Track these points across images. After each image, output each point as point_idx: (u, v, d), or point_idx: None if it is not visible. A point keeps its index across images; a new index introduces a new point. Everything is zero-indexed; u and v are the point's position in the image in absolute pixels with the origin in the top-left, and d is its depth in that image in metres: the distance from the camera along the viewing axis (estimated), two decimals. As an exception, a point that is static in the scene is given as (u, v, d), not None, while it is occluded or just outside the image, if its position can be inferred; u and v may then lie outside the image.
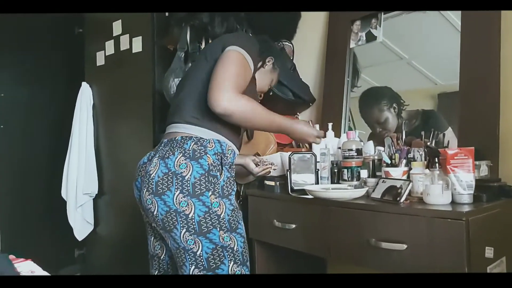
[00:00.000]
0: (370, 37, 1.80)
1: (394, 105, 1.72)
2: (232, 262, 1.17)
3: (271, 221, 1.49)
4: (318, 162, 1.53)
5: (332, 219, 1.31)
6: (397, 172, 1.32)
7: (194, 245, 1.14)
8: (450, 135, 1.50)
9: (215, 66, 1.19)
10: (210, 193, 1.15)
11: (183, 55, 1.85)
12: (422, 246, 1.08)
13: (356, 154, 1.46)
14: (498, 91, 1.39)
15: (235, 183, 1.26)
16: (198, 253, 1.13)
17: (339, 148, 1.58)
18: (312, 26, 2.07)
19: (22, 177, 2.67)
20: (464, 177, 1.15)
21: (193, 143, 1.19)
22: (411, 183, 1.21)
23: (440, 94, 1.63)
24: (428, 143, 1.40)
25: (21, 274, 1.16)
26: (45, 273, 1.33)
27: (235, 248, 1.18)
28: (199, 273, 1.14)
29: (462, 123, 1.47)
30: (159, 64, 2.08)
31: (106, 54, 2.41)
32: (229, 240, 1.17)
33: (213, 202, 1.15)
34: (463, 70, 1.50)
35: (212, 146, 1.21)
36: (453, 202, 1.15)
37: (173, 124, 1.28)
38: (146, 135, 2.14)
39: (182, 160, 1.15)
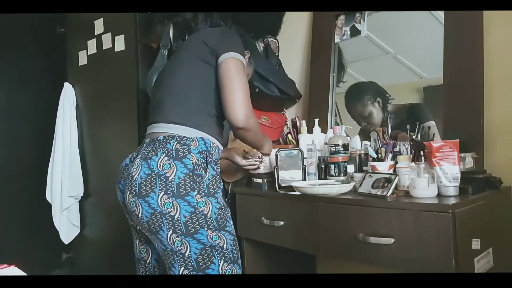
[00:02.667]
0: (355, 32, 1.80)
1: (379, 99, 1.72)
2: (222, 261, 1.15)
3: (259, 219, 1.48)
4: (305, 158, 1.53)
5: (320, 215, 1.31)
6: (383, 166, 1.32)
7: (181, 247, 1.12)
8: (435, 128, 1.51)
9: (224, 82, 1.20)
10: (196, 192, 1.13)
11: (166, 53, 1.82)
12: (409, 240, 1.08)
13: (342, 149, 1.45)
14: (482, 84, 1.40)
15: (221, 181, 1.24)
16: (186, 254, 1.12)
17: (326, 143, 1.58)
18: (296, 21, 2.06)
19: (5, 180, 2.60)
20: (449, 169, 1.15)
21: (176, 142, 1.17)
22: (397, 177, 1.21)
23: (425, 87, 1.63)
24: (414, 137, 1.40)
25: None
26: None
27: (224, 247, 1.16)
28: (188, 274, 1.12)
29: (446, 116, 1.47)
30: (143, 62, 2.05)
31: (89, 54, 2.37)
32: (218, 239, 1.16)
33: (199, 201, 1.14)
34: (447, 63, 1.50)
35: (196, 144, 1.19)
36: (439, 195, 1.15)
37: (154, 124, 1.26)
38: (131, 135, 2.11)
39: (166, 161, 1.13)
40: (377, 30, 1.75)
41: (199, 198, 1.13)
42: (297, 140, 1.79)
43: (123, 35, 2.14)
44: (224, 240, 1.17)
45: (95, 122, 2.41)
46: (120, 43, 2.15)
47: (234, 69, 1.21)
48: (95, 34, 2.30)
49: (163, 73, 1.37)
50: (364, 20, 1.76)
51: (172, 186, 1.11)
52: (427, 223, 1.05)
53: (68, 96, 2.45)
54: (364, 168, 1.44)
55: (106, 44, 2.24)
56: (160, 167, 1.12)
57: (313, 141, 1.60)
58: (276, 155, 1.49)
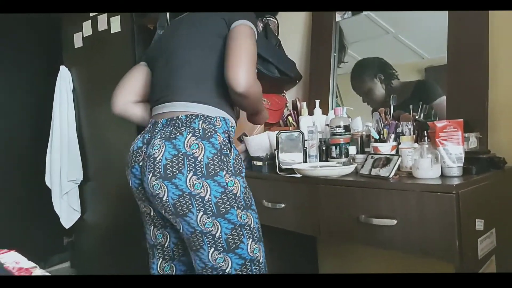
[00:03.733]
0: (356, 10, 1.75)
1: (381, 75, 1.69)
2: (250, 240, 1.13)
3: (260, 201, 1.47)
4: (306, 140, 1.51)
5: (321, 197, 1.30)
6: (385, 147, 1.30)
7: (213, 227, 1.08)
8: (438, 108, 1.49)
9: (230, 42, 1.12)
10: (224, 172, 1.10)
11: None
12: (412, 221, 1.07)
13: (344, 130, 1.43)
14: (487, 63, 1.37)
15: (242, 160, 1.21)
16: (217, 235, 1.09)
17: (327, 125, 1.56)
18: None
19: (4, 166, 2.59)
20: (453, 149, 1.13)
21: (201, 121, 1.12)
22: (400, 158, 1.19)
23: (427, 68, 1.61)
24: (417, 117, 1.38)
25: (4, 266, 1.13)
26: (30, 263, 1.30)
27: (252, 225, 1.15)
28: (218, 255, 1.09)
29: (450, 96, 1.45)
30: (139, 44, 2.01)
31: (84, 36, 2.32)
32: (246, 218, 1.13)
33: (228, 181, 1.10)
34: (451, 42, 1.47)
35: (220, 124, 1.15)
36: (443, 176, 1.14)
37: (169, 103, 1.18)
38: (129, 119, 2.08)
39: (193, 140, 1.08)
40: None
41: (228, 178, 1.10)
42: (297, 122, 1.77)
43: (118, 16, 2.09)
44: (251, 218, 1.15)
45: (92, 105, 2.38)
46: (116, 25, 2.10)
47: (244, 33, 1.14)
48: (90, 15, 2.25)
49: (167, 48, 1.27)
50: (366, -2, 1.71)
51: (202, 166, 1.07)
52: (430, 204, 1.04)
53: (64, 80, 2.41)
54: (366, 149, 1.42)
55: (102, 25, 2.19)
56: (187, 147, 1.07)
57: (314, 123, 1.58)
58: (277, 137, 1.47)
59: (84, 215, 2.50)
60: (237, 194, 1.12)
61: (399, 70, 1.67)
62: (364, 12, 1.73)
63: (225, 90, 1.14)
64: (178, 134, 1.09)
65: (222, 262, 1.09)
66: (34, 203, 2.64)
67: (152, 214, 1.23)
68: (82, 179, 2.44)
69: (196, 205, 1.07)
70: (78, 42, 2.37)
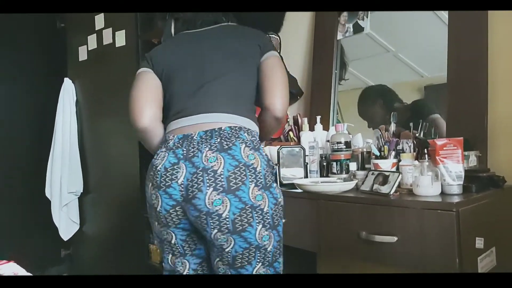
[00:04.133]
0: (358, 29, 1.78)
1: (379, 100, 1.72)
2: (281, 256, 1.14)
3: (260, 216, 1.47)
4: (307, 155, 1.52)
5: (321, 213, 1.30)
6: (386, 164, 1.31)
7: (268, 241, 1.06)
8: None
9: (271, 71, 1.17)
10: (275, 184, 1.11)
11: (167, 49, 1.81)
12: (412, 238, 1.07)
13: (345, 147, 1.44)
14: (486, 82, 1.39)
15: None
16: (268, 249, 1.07)
17: (328, 141, 1.57)
18: (299, 18, 2.05)
19: (4, 176, 2.59)
20: (453, 167, 1.14)
21: (246, 133, 1.10)
22: (400, 175, 1.20)
23: (426, 86, 1.63)
24: (417, 134, 1.39)
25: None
26: (29, 275, 1.29)
27: (282, 239, 1.15)
28: (262, 270, 1.07)
29: (450, 114, 1.46)
30: (144, 58, 2.03)
31: (89, 49, 2.35)
32: (282, 231, 1.14)
33: (278, 192, 1.11)
34: (451, 61, 1.49)
35: (257, 137, 1.16)
36: (443, 193, 1.14)
37: (204, 114, 1.11)
38: (131, 131, 2.09)
39: (248, 151, 1.06)
40: (380, 28, 1.74)
41: (277, 189, 1.11)
42: (298, 138, 1.78)
43: (123, 31, 2.12)
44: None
45: (95, 118, 2.39)
46: (120, 39, 2.14)
47: (281, 65, 1.20)
48: (96, 29, 2.29)
49: (195, 60, 1.20)
50: (367, 17, 1.74)
51: (261, 177, 1.05)
52: (430, 221, 1.04)
53: (68, 92, 2.44)
54: (367, 166, 1.43)
55: (107, 39, 2.22)
56: (245, 157, 1.04)
57: (315, 138, 1.59)
58: (278, 152, 1.48)
59: (83, 227, 2.49)
60: (283, 205, 1.13)
61: (399, 89, 1.69)
62: (365, 31, 1.76)
63: (254, 108, 1.19)
64: (231, 145, 1.05)
65: None
66: (34, 215, 2.63)
67: (172, 242, 1.14)
68: (82, 191, 2.44)
69: (256, 217, 1.03)
70: (83, 55, 2.40)
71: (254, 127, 1.16)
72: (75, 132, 2.44)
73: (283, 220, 1.12)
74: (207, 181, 1.02)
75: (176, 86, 1.19)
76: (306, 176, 1.50)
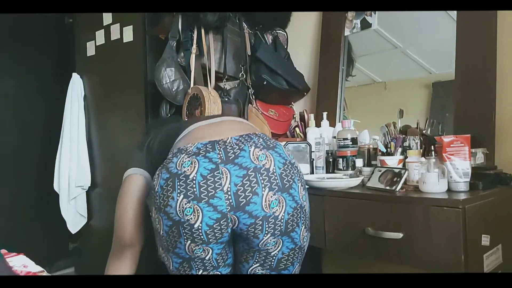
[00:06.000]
0: (365, 25, 1.78)
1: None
2: None
3: (266, 212, 1.47)
4: (313, 151, 1.52)
5: (327, 209, 1.30)
6: (392, 161, 1.31)
7: (306, 242, 1.03)
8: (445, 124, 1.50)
9: None
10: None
11: (174, 44, 1.81)
12: (418, 235, 1.08)
13: (351, 143, 1.45)
14: (495, 79, 1.38)
15: None
16: (305, 249, 1.04)
17: (334, 137, 1.57)
18: (306, 13, 2.04)
19: (14, 170, 2.62)
20: (460, 165, 1.14)
21: (267, 138, 1.05)
22: (407, 172, 1.20)
23: (434, 83, 1.62)
24: (424, 131, 1.39)
25: (13, 269, 1.14)
26: (38, 267, 1.31)
27: None
28: (297, 270, 1.04)
29: (457, 111, 1.46)
30: (151, 53, 2.04)
31: (97, 44, 2.36)
32: None
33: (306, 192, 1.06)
34: (459, 57, 1.48)
35: None
36: (449, 190, 1.14)
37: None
38: (139, 126, 2.11)
39: (287, 151, 1.01)
40: (387, 24, 1.73)
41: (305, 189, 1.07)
42: (305, 134, 1.78)
43: (131, 26, 2.13)
44: None
45: (103, 113, 2.41)
46: (128, 34, 2.14)
47: None
48: (104, 24, 2.29)
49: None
50: (375, 13, 1.74)
51: (302, 176, 1.01)
52: (436, 218, 1.05)
53: (76, 87, 2.45)
54: (373, 162, 1.43)
55: (115, 35, 2.23)
56: (288, 155, 0.99)
57: (321, 134, 1.59)
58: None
59: (91, 220, 2.51)
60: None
61: (407, 85, 1.69)
62: (373, 27, 1.75)
63: None
64: (274, 144, 0.99)
65: None
66: (42, 208, 2.66)
67: (207, 258, 0.98)
68: (90, 185, 2.46)
69: (303, 217, 0.98)
70: (90, 50, 2.41)
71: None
72: (83, 127, 2.46)
73: None
74: (262, 180, 0.90)
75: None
76: (312, 172, 1.50)
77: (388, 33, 1.74)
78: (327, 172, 1.51)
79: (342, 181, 1.32)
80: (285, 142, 1.51)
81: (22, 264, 1.32)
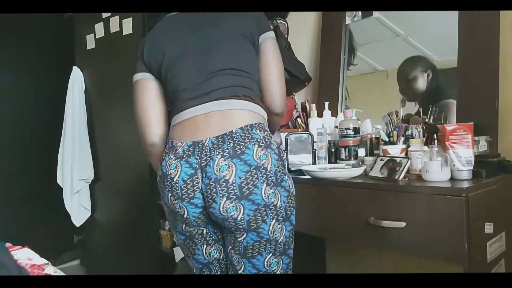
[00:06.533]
0: (366, 13, 1.76)
1: (429, 71, 1.61)
2: (293, 242, 1.14)
3: (269, 202, 1.48)
4: (315, 142, 1.52)
5: (330, 199, 1.30)
6: (395, 150, 1.30)
7: (279, 233, 1.06)
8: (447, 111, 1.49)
9: (269, 61, 1.15)
10: (286, 176, 1.09)
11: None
12: (421, 224, 1.08)
13: (353, 133, 1.44)
14: (497, 67, 1.37)
15: None
16: (279, 240, 1.07)
17: (336, 127, 1.57)
18: (306, 3, 2.02)
19: (17, 165, 2.64)
20: (463, 153, 1.13)
21: (259, 130, 1.06)
22: (409, 161, 1.20)
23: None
24: (426, 120, 1.38)
25: (18, 262, 1.15)
26: (43, 260, 1.33)
27: (295, 226, 1.15)
28: (274, 260, 1.08)
29: (460, 99, 1.45)
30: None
31: (96, 37, 2.36)
32: (295, 218, 1.13)
33: (289, 183, 1.09)
34: (461, 45, 1.47)
35: (268, 129, 1.12)
36: (452, 179, 1.14)
37: (216, 101, 1.07)
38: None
39: (260, 151, 1.03)
40: (388, 12, 1.71)
41: (289, 180, 1.10)
42: (306, 124, 1.78)
43: (130, 18, 2.12)
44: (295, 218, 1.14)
45: (104, 106, 2.41)
46: (127, 26, 2.13)
47: (276, 50, 1.17)
48: (103, 17, 2.29)
49: (192, 48, 1.14)
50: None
51: (272, 175, 1.03)
52: (439, 207, 1.05)
53: (76, 80, 2.45)
54: (375, 152, 1.42)
55: (114, 27, 2.22)
56: (257, 159, 1.02)
57: (323, 125, 1.59)
58: (286, 139, 1.48)
59: (95, 213, 2.53)
60: (294, 194, 1.12)
61: (409, 73, 1.67)
62: (374, 15, 1.73)
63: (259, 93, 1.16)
64: (245, 148, 1.02)
65: (275, 266, 1.09)
66: (46, 201, 2.68)
67: (204, 232, 1.14)
68: (93, 178, 2.47)
69: (270, 214, 1.04)
70: (90, 43, 2.40)
71: (264, 116, 1.13)
72: (85, 120, 2.46)
73: (295, 211, 1.11)
74: (220, 191, 1.01)
75: (178, 77, 1.13)
76: (314, 163, 1.50)
77: (390, 21, 1.72)
78: (330, 162, 1.51)
79: (344, 171, 1.32)
80: (287, 133, 1.51)
81: (27, 257, 1.33)
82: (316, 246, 1.97)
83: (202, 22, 1.17)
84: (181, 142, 1.07)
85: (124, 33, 2.16)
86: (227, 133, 1.03)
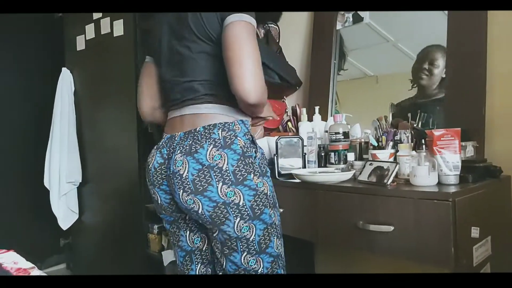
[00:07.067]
0: (357, 18, 1.78)
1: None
2: (275, 237, 1.14)
3: (259, 206, 1.47)
4: (305, 146, 1.52)
5: (319, 203, 1.31)
6: (384, 155, 1.31)
7: (248, 231, 1.08)
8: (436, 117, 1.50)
9: (228, 48, 1.02)
10: (252, 175, 1.08)
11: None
12: (409, 228, 1.09)
13: (343, 137, 1.45)
14: (485, 72, 1.39)
15: (266, 159, 1.21)
16: (251, 238, 1.09)
17: (326, 131, 1.57)
18: (298, 8, 2.04)
19: (4, 166, 2.60)
20: (450, 158, 1.15)
21: (220, 130, 1.08)
22: (398, 165, 1.21)
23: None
24: (415, 125, 1.39)
25: (3, 266, 1.13)
26: (29, 264, 1.30)
27: (277, 223, 1.15)
28: (250, 258, 1.10)
29: (448, 104, 1.46)
30: (141, 47, 2.02)
31: (87, 38, 2.34)
32: (274, 217, 1.14)
33: (257, 182, 1.09)
34: (449, 51, 1.49)
35: (239, 128, 1.11)
36: (440, 183, 1.15)
37: (186, 107, 1.13)
38: (130, 120, 2.10)
39: (215, 152, 1.05)
40: (379, 18, 1.73)
41: (256, 180, 1.09)
42: (297, 128, 1.78)
43: (121, 20, 2.11)
44: (276, 216, 1.15)
45: (93, 108, 2.39)
46: (118, 28, 2.12)
47: (241, 34, 1.02)
48: (93, 18, 2.27)
49: (164, 44, 1.18)
50: (366, 7, 1.73)
51: (229, 174, 1.05)
52: (427, 211, 1.05)
53: (66, 81, 2.43)
54: (365, 156, 1.43)
55: (105, 29, 2.21)
56: (210, 159, 1.05)
57: (313, 129, 1.60)
58: (276, 143, 1.49)
59: (82, 216, 2.50)
60: (268, 194, 1.12)
61: (398, 78, 1.69)
62: (365, 20, 1.75)
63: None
64: (199, 147, 1.06)
65: (254, 264, 1.10)
66: (33, 204, 2.64)
67: (187, 218, 1.22)
68: (81, 181, 2.44)
69: (232, 212, 1.06)
70: (80, 44, 2.38)
71: (234, 117, 1.12)
72: (74, 122, 2.43)
73: (270, 210, 1.12)
74: (177, 183, 1.08)
75: (161, 73, 1.22)
76: (304, 167, 1.50)
77: (380, 27, 1.74)
78: (319, 166, 1.52)
79: (334, 175, 1.33)
80: (277, 137, 1.51)
81: (12, 261, 1.30)
82: (305, 250, 1.97)
83: (179, 27, 1.15)
84: (165, 135, 1.18)
85: (115, 35, 2.15)
86: (192, 130, 1.10)
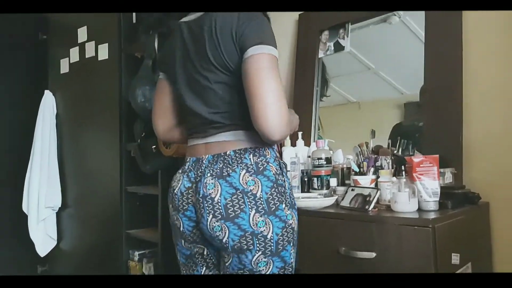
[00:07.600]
0: (338, 47, 1.83)
1: None
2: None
3: (241, 232, 1.46)
4: (289, 171, 1.53)
5: (302, 228, 1.29)
6: (365, 180, 1.33)
7: (264, 267, 1.01)
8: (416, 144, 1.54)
9: (251, 81, 0.96)
10: (284, 205, 1.03)
11: (150, 63, 1.81)
12: (390, 254, 1.09)
13: (325, 162, 1.46)
14: (461, 100, 1.43)
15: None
16: (265, 273, 1.02)
17: (309, 157, 1.59)
18: (281, 35, 2.08)
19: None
20: (429, 184, 1.17)
21: (251, 155, 1.03)
22: (379, 191, 1.22)
23: (406, 103, 1.67)
24: (395, 151, 1.42)
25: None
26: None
27: (293, 265, 1.08)
28: None
29: (427, 131, 1.50)
30: (126, 72, 2.03)
31: (71, 62, 2.34)
32: (293, 257, 1.06)
33: (287, 214, 1.03)
34: (427, 80, 1.53)
35: (269, 153, 1.07)
36: (420, 209, 1.16)
37: (213, 135, 1.07)
38: (113, 145, 2.08)
39: (248, 177, 1.01)
40: (360, 46, 1.78)
41: (287, 211, 1.03)
42: (280, 153, 1.79)
43: (106, 44, 2.12)
44: (294, 257, 1.08)
45: (76, 131, 2.36)
46: (103, 52, 2.13)
47: (266, 68, 0.97)
48: (78, 42, 2.28)
49: (184, 69, 1.11)
50: (347, 36, 1.79)
51: (262, 202, 1.00)
52: (407, 237, 1.06)
53: (48, 104, 2.40)
54: (347, 181, 1.44)
55: (89, 52, 2.21)
56: (244, 183, 1.00)
57: (297, 154, 1.60)
58: (259, 168, 1.49)
59: (60, 243, 2.43)
60: (294, 229, 1.06)
61: (380, 105, 1.73)
62: (346, 49, 1.80)
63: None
64: (231, 171, 1.01)
65: None
66: (10, 229, 2.56)
67: (205, 253, 1.13)
68: (60, 206, 2.39)
69: (258, 244, 1.00)
70: (64, 67, 2.38)
71: (263, 143, 1.05)
72: (55, 145, 2.40)
73: (292, 248, 1.05)
74: (207, 208, 1.02)
75: (180, 95, 1.13)
76: (287, 192, 1.50)
77: (361, 55, 1.79)
78: (302, 191, 1.52)
79: (317, 201, 1.33)
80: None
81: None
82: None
83: (196, 54, 1.08)
84: (190, 158, 1.12)
85: (99, 59, 2.16)
86: (222, 153, 1.04)
